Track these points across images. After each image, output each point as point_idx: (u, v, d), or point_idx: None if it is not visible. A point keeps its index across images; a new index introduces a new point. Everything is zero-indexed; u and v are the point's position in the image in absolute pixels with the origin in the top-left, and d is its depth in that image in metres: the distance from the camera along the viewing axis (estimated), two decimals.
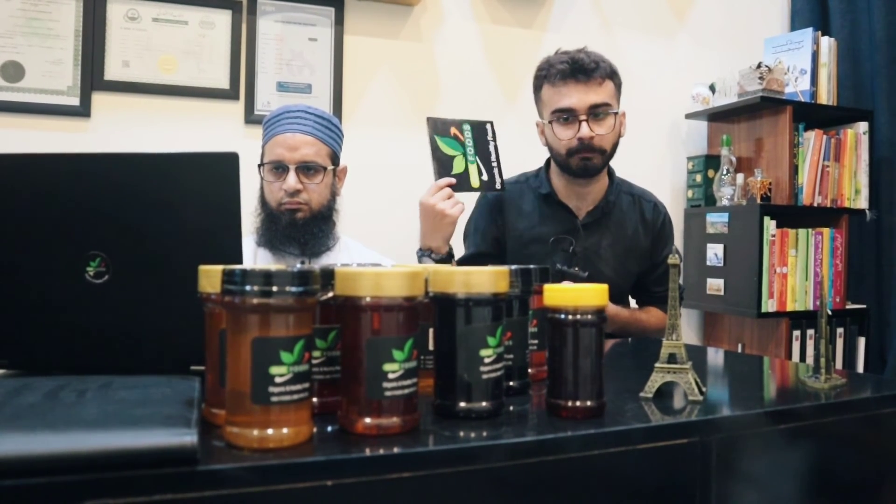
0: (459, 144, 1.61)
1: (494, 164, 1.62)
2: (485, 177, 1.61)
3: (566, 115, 1.61)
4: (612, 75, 1.64)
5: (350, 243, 1.67)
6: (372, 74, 2.31)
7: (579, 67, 1.59)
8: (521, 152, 1.98)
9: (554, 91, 1.63)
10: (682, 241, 2.66)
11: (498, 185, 1.63)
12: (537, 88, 1.70)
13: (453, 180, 1.57)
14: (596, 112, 1.60)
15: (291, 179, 1.51)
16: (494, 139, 1.65)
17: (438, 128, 1.62)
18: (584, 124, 1.59)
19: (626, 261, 1.71)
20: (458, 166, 1.60)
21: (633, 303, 1.84)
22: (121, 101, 2.05)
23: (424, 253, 1.58)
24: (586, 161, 1.61)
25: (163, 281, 0.81)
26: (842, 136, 2.53)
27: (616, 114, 1.64)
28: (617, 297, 1.67)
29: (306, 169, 1.53)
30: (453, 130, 1.62)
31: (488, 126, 1.66)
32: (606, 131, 1.61)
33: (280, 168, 1.53)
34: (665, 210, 1.79)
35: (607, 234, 1.70)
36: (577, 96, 1.59)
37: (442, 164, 1.60)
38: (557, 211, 1.71)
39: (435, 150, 1.61)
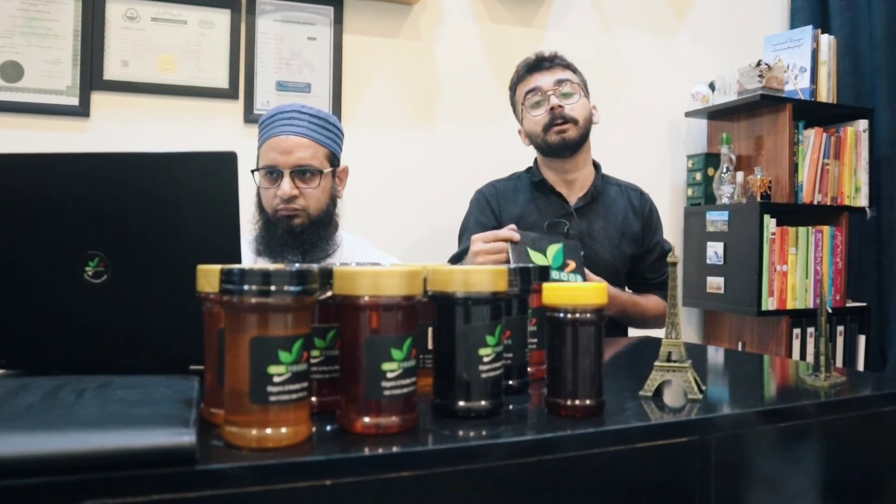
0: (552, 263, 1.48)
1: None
2: (563, 275, 1.49)
3: (536, 97, 1.75)
4: (574, 68, 1.80)
5: (355, 245, 1.62)
6: (371, 73, 2.30)
7: (541, 59, 1.79)
8: (521, 152, 1.98)
9: (523, 84, 1.80)
10: (681, 240, 2.66)
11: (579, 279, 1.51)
12: (512, 95, 1.86)
13: (515, 237, 1.49)
14: (563, 89, 1.74)
15: (286, 185, 1.45)
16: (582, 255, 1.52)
17: (533, 244, 1.50)
18: (552, 96, 1.73)
19: (620, 243, 1.78)
20: (537, 259, 1.48)
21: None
22: (120, 101, 2.05)
23: None
24: (562, 133, 1.72)
25: (161, 280, 0.81)
26: (842, 134, 2.53)
27: (584, 93, 1.78)
28: (613, 278, 1.72)
29: (302, 173, 1.47)
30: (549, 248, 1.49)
31: (577, 245, 1.53)
32: (575, 101, 1.74)
33: (274, 173, 1.47)
34: (650, 199, 1.89)
35: (599, 219, 1.78)
36: (543, 79, 1.76)
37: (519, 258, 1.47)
38: (550, 198, 1.79)
39: (519, 255, 1.47)
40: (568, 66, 1.79)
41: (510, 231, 1.49)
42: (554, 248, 1.48)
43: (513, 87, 1.85)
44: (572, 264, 1.48)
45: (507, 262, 1.45)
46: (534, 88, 1.75)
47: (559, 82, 1.74)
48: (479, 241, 1.51)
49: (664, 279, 1.83)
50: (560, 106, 1.72)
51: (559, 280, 1.44)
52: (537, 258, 1.47)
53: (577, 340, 0.71)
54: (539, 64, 1.77)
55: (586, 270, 1.61)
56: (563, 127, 1.71)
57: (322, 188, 1.50)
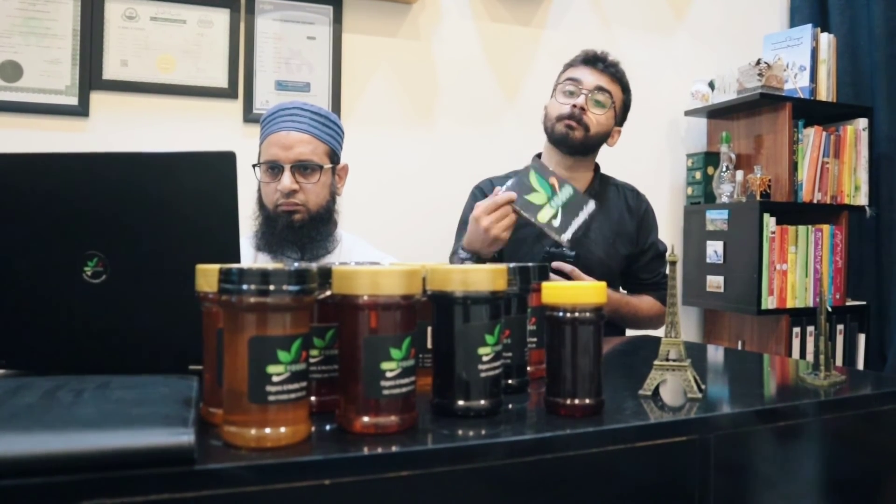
0: (551, 190, 1.47)
1: (576, 223, 1.48)
2: (556, 222, 1.47)
3: (572, 87, 1.74)
4: (624, 86, 1.79)
5: (354, 244, 1.62)
6: (370, 73, 2.30)
7: (600, 59, 1.76)
8: (519, 151, 1.98)
9: (571, 69, 1.78)
10: (681, 239, 2.66)
11: (565, 237, 1.47)
12: (560, 73, 1.83)
13: (513, 195, 1.46)
14: (597, 96, 1.73)
15: (286, 179, 1.46)
16: (589, 216, 1.51)
17: (541, 168, 1.50)
18: (583, 96, 1.72)
19: (615, 243, 1.78)
20: (535, 198, 1.47)
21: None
22: (119, 101, 2.04)
23: (467, 255, 1.54)
24: (569, 129, 1.72)
25: (160, 280, 0.81)
26: (841, 133, 2.53)
27: (616, 113, 1.76)
28: (608, 278, 1.71)
29: (302, 168, 1.48)
30: (552, 180, 1.48)
31: (590, 204, 1.51)
32: (601, 113, 1.73)
33: (275, 168, 1.49)
34: (647, 199, 1.88)
35: (595, 218, 1.76)
36: (588, 76, 1.74)
37: (516, 186, 1.47)
38: None
39: (523, 176, 1.48)
40: (619, 81, 1.77)
41: (505, 194, 1.47)
42: (535, 179, 1.48)
43: (564, 67, 1.83)
44: (554, 181, 1.49)
45: (517, 220, 1.47)
46: (575, 79, 1.74)
47: (599, 89, 1.73)
48: (483, 217, 1.46)
49: (658, 279, 1.83)
50: (583, 109, 1.71)
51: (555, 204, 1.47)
52: (535, 198, 1.48)
53: (576, 339, 0.71)
54: (595, 61, 1.76)
55: (578, 271, 1.60)
56: (573, 125, 1.71)
57: (322, 184, 1.52)
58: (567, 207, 1.47)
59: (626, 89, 1.79)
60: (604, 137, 1.77)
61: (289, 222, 1.49)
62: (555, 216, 1.47)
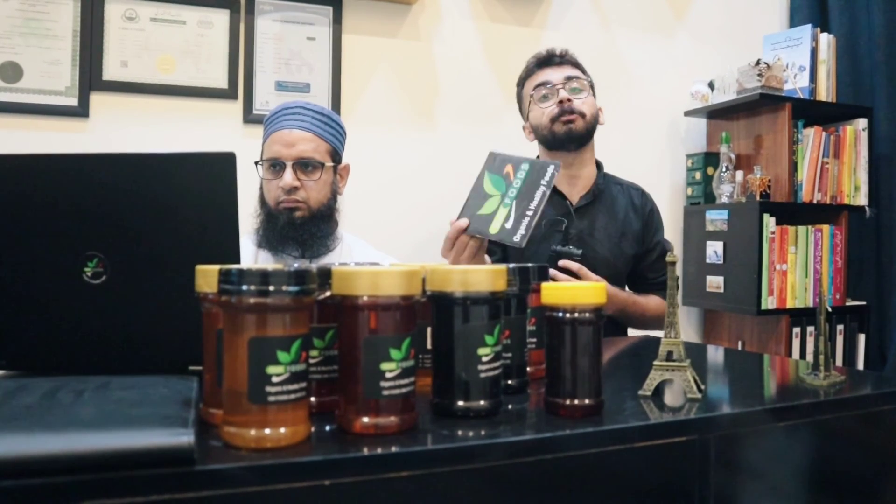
0: (504, 184, 1.42)
1: (529, 213, 1.37)
2: (508, 224, 1.38)
3: (545, 90, 1.77)
4: (583, 68, 1.82)
5: (354, 244, 1.64)
6: (370, 73, 2.30)
7: (552, 55, 1.80)
8: (519, 151, 1.98)
9: (532, 79, 1.81)
10: (681, 239, 2.66)
11: (517, 238, 1.35)
12: (519, 91, 1.87)
13: (463, 224, 1.42)
14: (572, 85, 1.76)
15: (288, 176, 1.48)
16: (549, 185, 1.39)
17: (495, 164, 1.45)
18: (561, 90, 1.75)
19: (621, 242, 1.78)
20: (488, 207, 1.42)
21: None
22: (119, 101, 2.04)
23: None
24: (569, 124, 1.73)
25: (160, 281, 0.81)
26: (841, 133, 2.53)
27: (592, 92, 1.79)
28: (614, 278, 1.72)
29: (304, 165, 1.50)
30: (507, 168, 1.43)
31: (550, 168, 1.40)
32: (584, 97, 1.76)
33: (277, 165, 1.51)
34: (652, 198, 1.89)
35: (600, 217, 1.78)
36: (553, 74, 1.77)
37: (471, 202, 1.44)
38: (552, 196, 1.76)
39: (477, 185, 1.45)
40: (577, 65, 1.80)
41: (455, 227, 1.42)
42: (489, 182, 1.43)
43: (521, 83, 1.86)
44: (510, 168, 1.41)
45: (481, 244, 1.43)
46: (544, 82, 1.77)
47: (569, 78, 1.75)
48: (447, 254, 1.45)
49: (665, 279, 1.83)
50: (569, 99, 1.73)
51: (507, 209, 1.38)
52: (487, 206, 1.41)
53: (575, 340, 0.71)
54: (550, 60, 1.79)
55: (585, 269, 1.60)
56: (570, 117, 1.72)
57: (323, 181, 1.53)
58: (522, 193, 1.38)
59: (583, 69, 1.83)
60: (597, 117, 1.79)
61: (290, 219, 1.50)
62: (507, 217, 1.38)
